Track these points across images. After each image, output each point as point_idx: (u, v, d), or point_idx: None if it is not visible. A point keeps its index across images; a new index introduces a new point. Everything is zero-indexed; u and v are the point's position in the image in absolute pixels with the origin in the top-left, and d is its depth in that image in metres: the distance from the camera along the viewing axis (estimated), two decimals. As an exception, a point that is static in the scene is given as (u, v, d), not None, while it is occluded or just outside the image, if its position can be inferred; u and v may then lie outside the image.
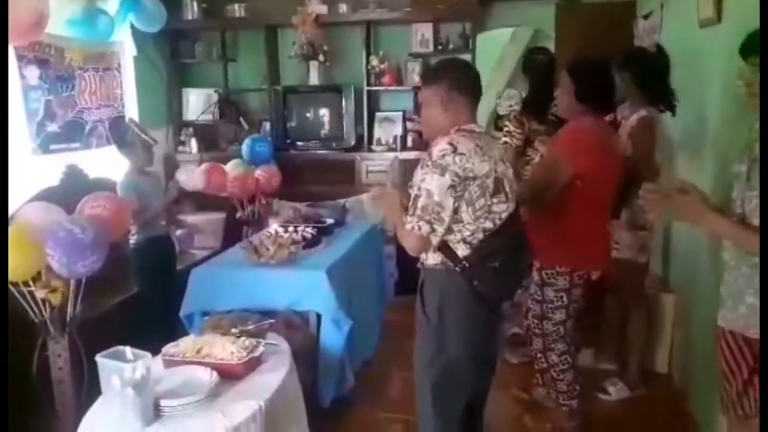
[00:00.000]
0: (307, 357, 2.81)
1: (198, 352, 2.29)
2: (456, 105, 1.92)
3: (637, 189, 2.80)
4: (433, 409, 1.98)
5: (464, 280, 1.88)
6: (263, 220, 4.24)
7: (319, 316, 2.81)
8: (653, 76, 2.86)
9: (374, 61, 4.64)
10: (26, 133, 3.40)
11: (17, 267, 2.17)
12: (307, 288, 2.78)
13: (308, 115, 4.85)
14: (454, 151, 1.80)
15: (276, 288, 2.81)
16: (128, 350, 2.00)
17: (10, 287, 2.25)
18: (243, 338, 2.38)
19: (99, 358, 1.91)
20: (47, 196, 3.29)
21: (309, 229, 3.25)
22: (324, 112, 4.82)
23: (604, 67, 2.54)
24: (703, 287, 2.68)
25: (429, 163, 1.82)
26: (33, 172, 3.45)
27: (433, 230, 1.82)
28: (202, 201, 4.39)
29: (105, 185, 3.71)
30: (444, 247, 1.88)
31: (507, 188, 1.91)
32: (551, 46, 4.27)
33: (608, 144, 2.56)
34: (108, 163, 3.89)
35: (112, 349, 2.00)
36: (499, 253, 1.88)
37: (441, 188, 1.79)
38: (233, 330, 2.49)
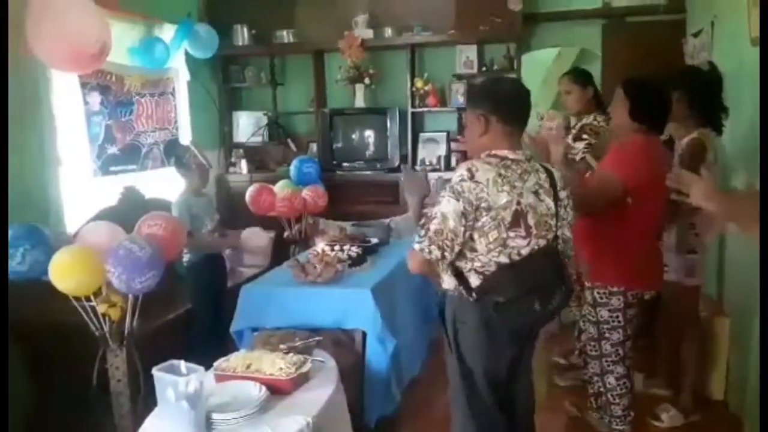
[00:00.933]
0: (353, 375, 2.83)
1: (248, 367, 2.34)
2: (496, 131, 1.87)
3: (682, 211, 2.80)
4: (463, 409, 1.98)
5: (477, 308, 1.85)
6: (310, 239, 4.32)
7: (364, 335, 2.84)
8: (707, 95, 2.82)
9: (419, 83, 4.71)
10: (88, 155, 3.59)
11: (80, 283, 2.28)
12: (353, 306, 2.82)
13: (354, 136, 4.95)
14: (471, 177, 1.76)
15: (322, 306, 2.85)
16: (182, 364, 2.06)
17: (74, 301, 2.37)
18: (291, 354, 2.43)
19: (155, 372, 1.98)
20: (107, 215, 3.46)
21: (354, 249, 3.30)
22: (369, 134, 4.91)
23: (659, 86, 2.52)
24: (757, 307, 2.59)
25: (447, 186, 1.79)
26: (94, 192, 3.64)
27: (443, 257, 1.78)
28: (252, 220, 4.50)
29: (160, 205, 3.85)
30: (458, 274, 1.86)
31: (531, 222, 1.81)
32: (598, 66, 4.26)
33: (661, 164, 2.53)
34: (162, 184, 4.07)
35: (167, 363, 2.07)
36: (507, 289, 1.79)
37: (455, 214, 1.74)
38: (281, 346, 2.54)
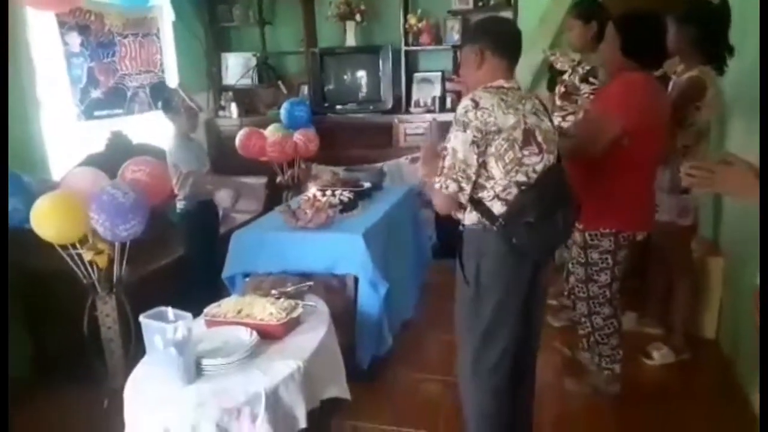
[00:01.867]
0: (346, 319, 2.84)
1: (239, 312, 2.33)
2: (491, 64, 1.90)
3: (675, 151, 2.74)
4: (473, 370, 1.99)
5: (502, 239, 1.85)
6: (302, 184, 4.26)
7: (356, 280, 2.82)
8: (714, 31, 2.69)
9: (412, 20, 4.53)
10: (71, 99, 3.47)
11: (62, 230, 2.24)
12: (344, 251, 2.79)
13: (345, 77, 4.80)
14: (476, 106, 1.78)
15: (314, 251, 2.83)
16: (170, 311, 2.04)
17: (60, 250, 2.33)
18: (282, 300, 2.42)
19: (142, 319, 1.97)
20: (94, 161, 3.38)
21: (346, 193, 3.24)
22: (361, 74, 4.76)
23: (653, 20, 2.40)
24: (753, 250, 2.57)
25: (453, 121, 1.82)
26: (79, 137, 3.55)
27: (461, 189, 1.81)
28: (243, 165, 4.42)
29: (148, 150, 3.78)
30: (479, 205, 1.86)
31: (540, 139, 1.84)
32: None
33: (658, 102, 2.46)
34: (149, 129, 3.97)
35: (154, 310, 2.04)
36: (534, 208, 1.81)
37: (464, 144, 1.77)
38: (273, 292, 2.53)
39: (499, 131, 1.78)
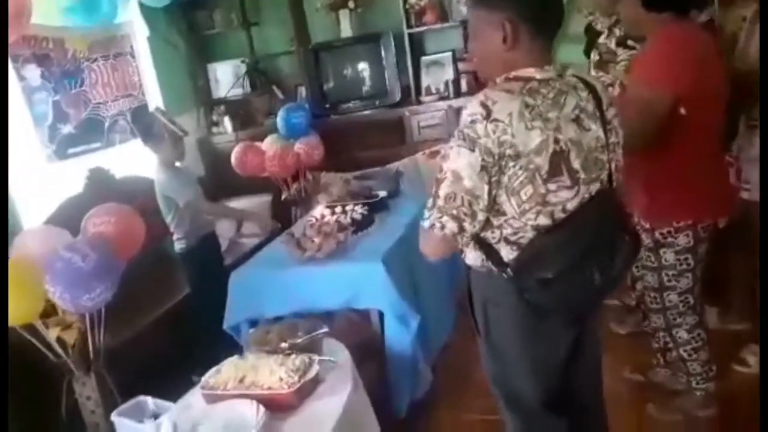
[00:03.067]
0: (373, 362, 2.40)
1: (241, 381, 1.92)
2: (521, 43, 1.33)
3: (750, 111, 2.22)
4: (507, 408, 1.57)
5: (512, 288, 1.37)
6: (312, 197, 3.82)
7: (382, 313, 2.37)
8: None
9: (412, -2, 4.03)
10: (37, 139, 3.07)
11: (17, 309, 1.82)
12: (363, 282, 2.34)
13: (345, 72, 4.32)
14: (487, 116, 1.25)
15: (327, 285, 2.38)
16: (150, 401, 1.63)
17: (20, 330, 1.92)
18: (294, 356, 2.00)
19: (115, 418, 1.55)
20: (72, 205, 3.01)
21: (359, 209, 2.78)
22: (362, 67, 4.28)
23: None
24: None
25: (456, 132, 1.30)
26: (52, 181, 3.15)
27: (461, 230, 1.28)
28: (244, 184, 3.98)
29: (135, 183, 3.41)
30: (483, 245, 1.38)
31: (576, 165, 1.30)
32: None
33: (710, 54, 1.94)
34: (135, 159, 3.56)
35: (131, 402, 1.64)
36: (555, 260, 1.32)
37: (471, 169, 1.25)
38: (282, 345, 2.10)
39: (517, 156, 1.25)
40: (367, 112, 4.23)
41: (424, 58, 4.26)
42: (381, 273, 2.29)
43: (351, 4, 4.10)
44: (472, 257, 1.43)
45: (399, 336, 2.32)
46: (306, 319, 2.31)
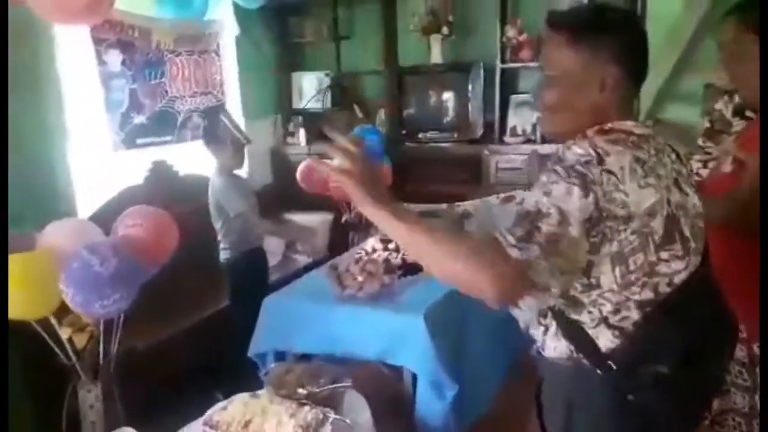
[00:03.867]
0: (400, 420, 2.14)
1: (246, 426, 1.73)
2: (617, 87, 1.12)
3: None
4: None
5: (610, 391, 1.09)
6: (371, 225, 3.62)
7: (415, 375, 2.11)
8: None
9: (510, 32, 3.76)
10: (108, 126, 3.04)
11: (29, 302, 1.71)
12: (401, 336, 2.09)
13: (429, 100, 4.11)
14: (600, 162, 1.02)
15: (362, 332, 2.15)
16: (133, 437, 1.46)
17: (34, 324, 1.81)
18: (308, 408, 1.78)
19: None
20: (130, 195, 2.96)
21: (413, 249, 2.54)
22: (447, 97, 4.06)
23: None
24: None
25: (559, 168, 1.03)
26: (117, 169, 3.12)
27: (550, 286, 1.01)
28: (309, 199, 3.84)
29: (197, 183, 3.33)
30: (575, 331, 1.11)
31: (687, 233, 1.10)
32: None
33: None
34: (204, 158, 3.49)
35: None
36: (674, 347, 1.07)
37: (581, 214, 0.99)
38: (299, 391, 1.89)
39: (629, 218, 1.02)
40: (444, 145, 3.99)
41: (513, 96, 3.98)
42: (421, 330, 2.04)
43: (445, 30, 3.89)
44: (556, 348, 1.15)
45: (431, 404, 2.05)
46: (332, 364, 2.09)
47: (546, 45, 1.20)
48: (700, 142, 2.43)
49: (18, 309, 1.71)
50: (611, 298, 1.08)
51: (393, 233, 1.11)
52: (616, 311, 1.08)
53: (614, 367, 1.07)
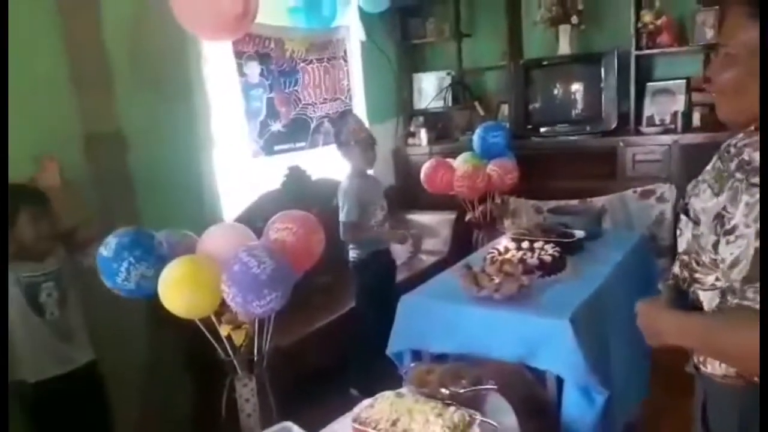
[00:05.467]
0: (542, 424, 2.08)
1: (394, 424, 1.76)
2: None
3: None
4: None
5: None
6: (498, 222, 3.57)
7: (560, 378, 2.04)
8: None
9: (647, 17, 3.54)
10: (248, 134, 3.24)
11: (194, 304, 1.86)
12: (544, 339, 2.02)
13: (556, 92, 3.96)
14: None
15: (501, 333, 2.11)
16: (295, 430, 1.53)
17: (198, 322, 1.97)
18: (453, 408, 1.78)
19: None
20: (268, 200, 3.14)
21: (550, 248, 2.46)
22: (576, 88, 3.89)
23: None
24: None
25: (758, 180, 0.92)
26: (256, 175, 3.32)
27: None
28: (431, 198, 3.85)
29: (329, 186, 3.46)
30: None
31: None
32: None
33: None
34: (335, 162, 3.63)
35: (276, 428, 1.55)
36: None
37: None
38: (442, 390, 1.89)
39: None
40: (573, 138, 3.83)
41: (650, 84, 3.74)
42: (567, 333, 1.96)
43: (574, 20, 3.73)
44: (720, 362, 1.06)
45: (580, 411, 1.96)
46: (473, 365, 2.08)
47: (725, 18, 1.08)
48: None
49: (186, 309, 1.86)
50: None
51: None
52: None
53: None
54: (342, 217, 2.72)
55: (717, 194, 1.00)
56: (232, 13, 2.34)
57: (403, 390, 1.97)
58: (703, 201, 1.03)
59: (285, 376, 2.48)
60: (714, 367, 1.07)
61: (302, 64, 3.57)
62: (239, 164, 3.20)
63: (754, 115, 1.03)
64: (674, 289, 1.14)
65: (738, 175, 0.96)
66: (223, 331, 1.98)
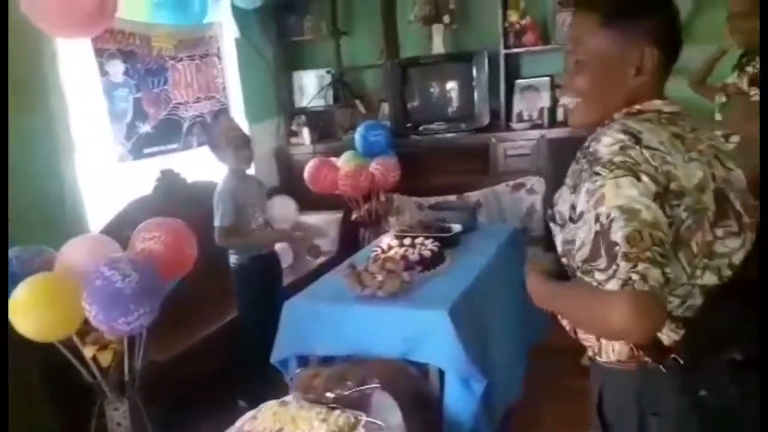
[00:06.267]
0: (427, 416, 2.13)
1: (278, 433, 1.72)
2: (652, 68, 1.06)
3: None
4: None
5: (680, 387, 1.02)
6: (383, 219, 3.61)
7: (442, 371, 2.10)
8: None
9: (513, 17, 3.73)
10: (113, 137, 3.02)
11: (47, 326, 1.70)
12: (425, 332, 2.07)
13: (432, 91, 4.08)
14: (637, 142, 0.97)
15: (385, 330, 2.14)
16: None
17: (57, 344, 1.80)
18: (338, 412, 1.77)
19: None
20: (139, 206, 2.94)
21: (430, 244, 2.52)
22: (451, 86, 4.02)
23: None
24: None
25: (598, 168, 0.96)
26: (125, 180, 3.10)
27: (666, 277, 0.90)
28: (316, 198, 3.81)
29: (206, 189, 3.31)
30: None
31: (738, 207, 1.04)
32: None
33: None
34: (213, 164, 3.48)
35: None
36: (742, 332, 0.99)
37: (648, 198, 0.93)
38: (328, 395, 1.88)
39: (682, 194, 0.97)
40: (450, 135, 3.95)
41: (518, 82, 3.95)
42: (446, 325, 2.02)
43: (446, 19, 3.85)
44: (614, 349, 1.08)
45: (461, 400, 2.04)
46: (358, 365, 2.08)
47: (574, 26, 1.14)
48: (718, 116, 2.41)
49: (42, 331, 1.70)
50: (680, 293, 1.01)
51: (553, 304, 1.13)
52: (683, 300, 1.02)
53: (681, 362, 1.00)
54: (216, 221, 2.60)
55: (573, 191, 1.05)
56: (86, 8, 2.17)
57: (288, 398, 1.94)
58: (565, 202, 1.08)
59: (165, 394, 2.34)
60: (608, 356, 1.11)
61: (171, 62, 3.38)
62: (105, 169, 2.98)
63: (607, 115, 1.09)
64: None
65: (585, 167, 1.01)
66: (88, 352, 1.83)
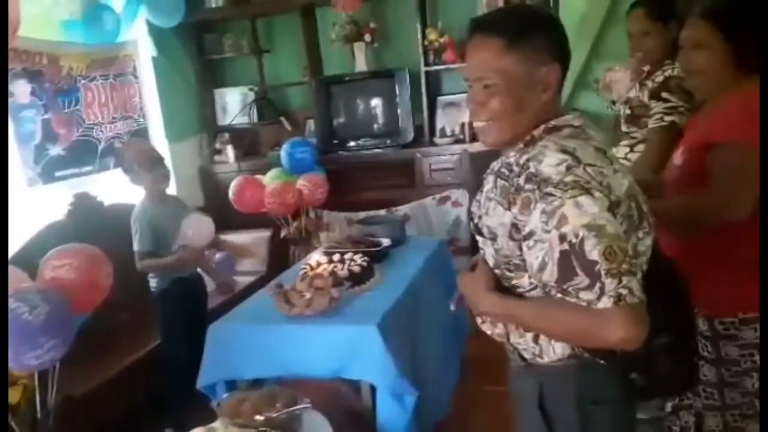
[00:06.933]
0: (362, 434, 2.12)
1: (204, 462, 1.66)
2: (559, 83, 1.14)
3: None
4: None
5: (615, 374, 1.13)
6: (312, 235, 3.58)
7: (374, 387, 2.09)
8: None
9: (432, 35, 3.82)
10: (20, 160, 2.85)
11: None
12: (355, 348, 2.06)
13: (357, 108, 4.12)
14: (578, 162, 1.03)
15: (315, 349, 2.11)
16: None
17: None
18: (268, 434, 1.73)
19: None
20: (52, 233, 2.78)
21: (358, 258, 2.53)
22: (375, 103, 4.08)
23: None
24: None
25: (551, 189, 1.01)
26: (35, 205, 2.93)
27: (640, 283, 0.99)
28: (243, 217, 3.72)
29: (125, 212, 3.18)
30: None
31: (646, 208, 1.15)
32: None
33: None
34: (131, 186, 3.34)
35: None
36: (666, 318, 1.09)
37: (608, 213, 1.00)
38: (257, 418, 1.83)
39: (618, 203, 1.05)
40: (376, 151, 4.00)
41: (440, 98, 4.05)
42: (376, 339, 2.02)
43: (367, 38, 3.90)
44: (555, 350, 1.14)
45: (393, 415, 2.03)
46: (287, 386, 2.04)
47: (476, 53, 1.15)
48: (624, 128, 2.55)
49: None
50: None
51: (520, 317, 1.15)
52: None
53: (617, 352, 1.06)
54: (135, 245, 2.50)
55: (508, 208, 1.08)
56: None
57: (215, 424, 1.87)
58: (497, 217, 1.10)
59: (84, 429, 2.22)
60: (549, 356, 1.16)
61: (84, 82, 3.24)
62: (12, 195, 2.80)
63: (523, 132, 1.14)
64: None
65: (528, 186, 1.04)
66: (-7, 391, 1.70)
